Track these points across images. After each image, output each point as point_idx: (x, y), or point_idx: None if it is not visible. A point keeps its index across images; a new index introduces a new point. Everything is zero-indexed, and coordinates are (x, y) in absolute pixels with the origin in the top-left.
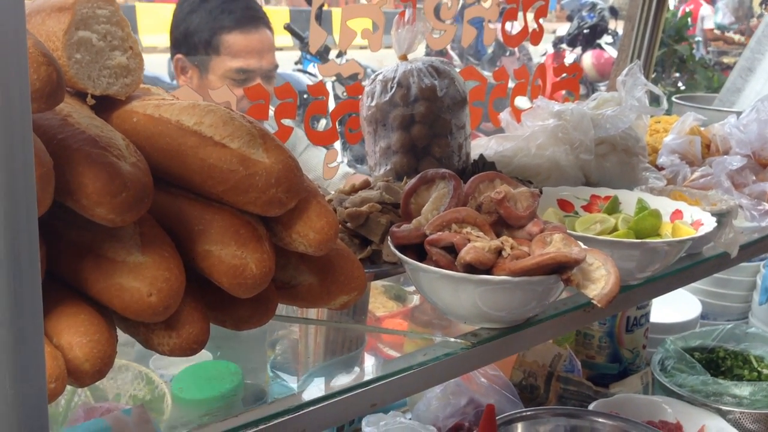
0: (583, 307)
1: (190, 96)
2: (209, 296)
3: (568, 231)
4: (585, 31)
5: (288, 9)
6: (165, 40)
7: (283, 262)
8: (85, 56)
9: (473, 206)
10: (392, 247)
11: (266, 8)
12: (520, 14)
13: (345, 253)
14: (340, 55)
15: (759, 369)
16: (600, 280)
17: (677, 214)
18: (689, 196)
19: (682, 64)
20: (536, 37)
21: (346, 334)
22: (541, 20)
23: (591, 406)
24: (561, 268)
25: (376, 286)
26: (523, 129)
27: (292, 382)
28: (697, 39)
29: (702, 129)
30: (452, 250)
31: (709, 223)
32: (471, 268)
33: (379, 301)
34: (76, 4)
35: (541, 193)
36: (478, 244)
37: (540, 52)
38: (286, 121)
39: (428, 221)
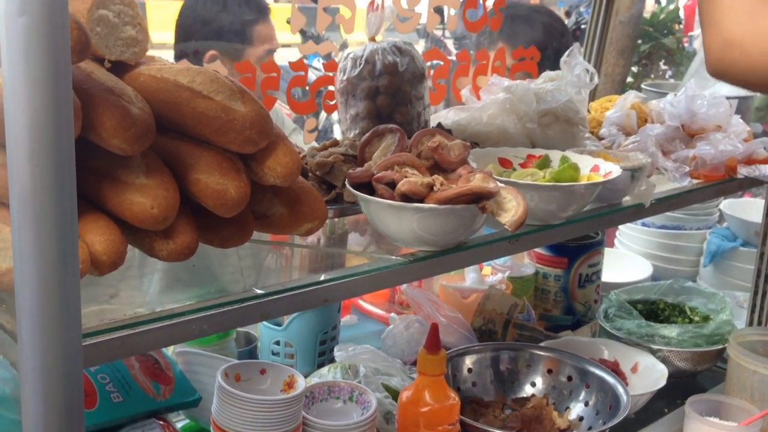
0: (508, 239)
1: None
2: (199, 219)
3: (496, 176)
4: (582, 26)
5: (291, 5)
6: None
7: (260, 197)
8: (104, 30)
9: (415, 154)
10: (347, 185)
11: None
12: (480, 2)
13: (309, 189)
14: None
15: (691, 317)
16: (511, 210)
17: (595, 168)
18: (612, 156)
19: (669, 57)
20: (495, 24)
21: None
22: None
23: None
24: (479, 198)
25: None
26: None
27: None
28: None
29: (642, 105)
30: (394, 186)
31: (617, 173)
32: (407, 198)
33: None
34: None
35: (474, 146)
36: (412, 179)
37: None
38: (271, 92)
39: (376, 164)
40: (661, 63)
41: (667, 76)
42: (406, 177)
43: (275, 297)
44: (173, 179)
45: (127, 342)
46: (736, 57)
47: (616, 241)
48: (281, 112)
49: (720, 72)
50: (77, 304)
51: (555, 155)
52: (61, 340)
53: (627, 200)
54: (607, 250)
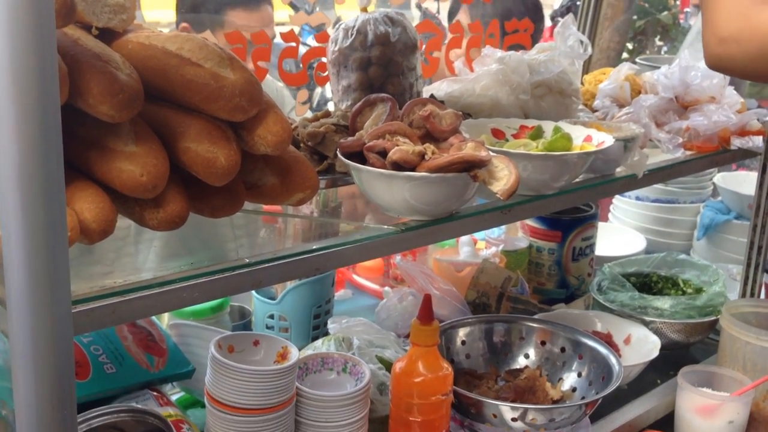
0: (501, 209)
1: None
2: (190, 189)
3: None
4: (578, 2)
5: None
6: (168, 16)
7: (251, 167)
8: None
9: (406, 123)
10: (339, 154)
11: None
12: None
13: (300, 159)
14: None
15: (684, 289)
16: (503, 178)
17: (587, 139)
18: (605, 127)
19: (665, 32)
20: None
21: None
22: None
23: None
24: (470, 167)
25: None
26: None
27: None
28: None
29: (636, 77)
30: (386, 155)
31: (609, 142)
32: (398, 166)
33: None
34: None
35: (466, 117)
36: (403, 147)
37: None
38: (262, 63)
39: (368, 133)
40: (656, 39)
41: (662, 52)
42: (397, 146)
43: (267, 265)
44: (162, 147)
45: (118, 309)
46: (734, 52)
47: (610, 215)
48: (282, 90)
49: (719, 67)
50: (66, 271)
51: (548, 126)
52: (50, 307)
53: (620, 171)
54: (601, 224)
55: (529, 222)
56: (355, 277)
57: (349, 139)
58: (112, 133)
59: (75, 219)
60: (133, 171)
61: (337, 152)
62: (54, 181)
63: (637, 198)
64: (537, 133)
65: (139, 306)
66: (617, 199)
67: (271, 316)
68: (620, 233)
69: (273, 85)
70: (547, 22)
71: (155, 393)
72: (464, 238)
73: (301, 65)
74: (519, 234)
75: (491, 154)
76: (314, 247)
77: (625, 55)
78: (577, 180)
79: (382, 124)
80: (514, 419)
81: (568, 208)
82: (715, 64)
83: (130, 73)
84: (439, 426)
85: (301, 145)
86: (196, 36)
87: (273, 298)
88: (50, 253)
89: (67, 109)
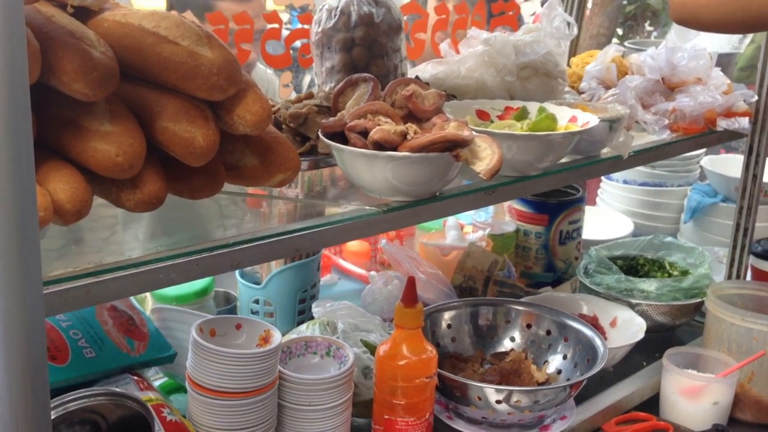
0: (485, 190)
1: None
2: (169, 170)
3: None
4: None
5: None
6: (157, 3)
7: (231, 147)
8: None
9: (389, 103)
10: (320, 135)
11: None
12: None
13: (281, 140)
14: None
15: (670, 272)
16: (486, 158)
17: (573, 119)
18: (591, 108)
19: (654, 17)
20: None
21: None
22: None
23: None
24: (453, 146)
25: None
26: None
27: None
28: None
29: (623, 59)
30: (367, 135)
31: (594, 123)
32: (380, 146)
33: None
34: None
35: (451, 98)
36: (385, 127)
37: (529, 12)
38: (245, 45)
39: (350, 113)
40: (646, 24)
41: (652, 37)
42: (379, 125)
43: (246, 246)
44: (139, 126)
45: (93, 290)
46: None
47: (597, 198)
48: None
49: (682, 16)
50: (36, 251)
51: (533, 107)
52: (21, 287)
53: (605, 152)
54: (588, 208)
55: (516, 205)
56: (342, 262)
57: (331, 119)
58: (87, 112)
59: (48, 199)
60: (109, 151)
61: (319, 133)
62: (23, 160)
63: (625, 181)
64: (522, 114)
65: (114, 287)
66: (605, 183)
67: (256, 301)
68: (607, 217)
69: (264, 75)
70: (538, 8)
71: (136, 377)
72: (451, 222)
73: (284, 46)
74: (506, 218)
75: (474, 133)
76: (295, 227)
77: (615, 41)
78: (562, 161)
79: (364, 104)
80: (498, 401)
81: (554, 192)
82: (678, 15)
83: (105, 50)
84: (423, 409)
85: (283, 126)
86: (173, 14)
87: (258, 283)
88: (20, 233)
89: (40, 88)
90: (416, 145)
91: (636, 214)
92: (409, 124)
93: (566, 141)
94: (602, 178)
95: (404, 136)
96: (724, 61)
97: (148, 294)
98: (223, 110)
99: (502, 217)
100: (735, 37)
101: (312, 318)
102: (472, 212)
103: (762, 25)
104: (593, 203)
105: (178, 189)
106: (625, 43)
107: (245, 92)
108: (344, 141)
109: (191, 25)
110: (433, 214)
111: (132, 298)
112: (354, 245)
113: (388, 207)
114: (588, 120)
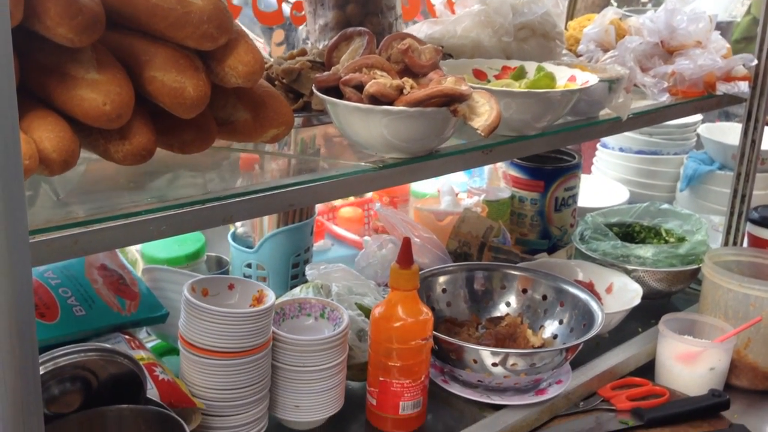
0: (482, 149)
1: None
2: (159, 124)
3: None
4: None
5: None
6: None
7: (222, 102)
8: None
9: (384, 58)
10: (314, 89)
11: None
12: None
13: (274, 94)
14: None
15: (667, 238)
16: (484, 114)
17: (572, 79)
18: (590, 68)
19: None
20: None
21: None
22: None
23: None
24: (451, 101)
25: None
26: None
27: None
28: None
29: (621, 21)
30: (363, 89)
31: (594, 82)
32: (375, 100)
33: None
34: None
35: (447, 57)
36: (381, 80)
37: None
38: (236, 1)
39: (344, 67)
40: None
41: (650, 6)
42: (374, 79)
43: (238, 199)
44: (127, 75)
45: (81, 240)
46: None
47: (593, 167)
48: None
49: None
50: (21, 199)
51: (531, 66)
52: (5, 236)
53: (604, 114)
54: (584, 176)
55: (512, 172)
56: (335, 228)
57: (325, 73)
58: (73, 59)
59: (33, 148)
60: (96, 99)
61: (313, 89)
62: (5, 104)
63: (621, 149)
64: (520, 74)
65: (102, 237)
66: (600, 151)
67: (249, 265)
68: (603, 185)
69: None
70: None
71: (127, 336)
72: (445, 188)
73: (276, 3)
74: (501, 184)
75: (472, 89)
76: (289, 181)
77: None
78: (561, 122)
79: (359, 58)
80: (494, 364)
81: (550, 158)
82: None
83: None
84: (418, 371)
85: (276, 83)
86: None
87: (250, 247)
88: (4, 180)
89: (24, 33)
90: (413, 99)
91: (632, 183)
92: (405, 78)
93: (565, 99)
94: (598, 146)
95: (401, 90)
96: (723, 26)
97: (138, 256)
98: (214, 61)
99: (497, 183)
100: (732, 5)
101: (305, 282)
102: (466, 178)
103: None
104: (589, 171)
105: (169, 143)
106: (623, 10)
107: (236, 42)
108: (339, 96)
109: None
110: (429, 172)
111: (123, 258)
112: (347, 211)
113: (384, 163)
114: (587, 79)
